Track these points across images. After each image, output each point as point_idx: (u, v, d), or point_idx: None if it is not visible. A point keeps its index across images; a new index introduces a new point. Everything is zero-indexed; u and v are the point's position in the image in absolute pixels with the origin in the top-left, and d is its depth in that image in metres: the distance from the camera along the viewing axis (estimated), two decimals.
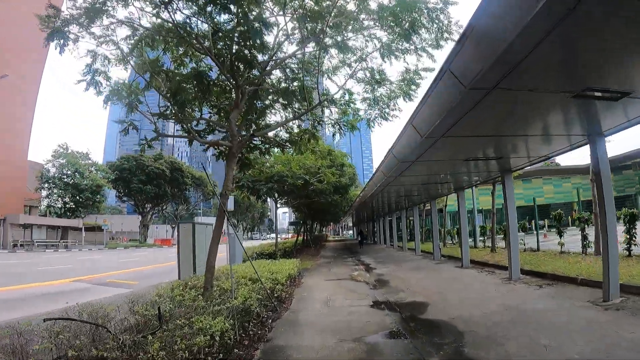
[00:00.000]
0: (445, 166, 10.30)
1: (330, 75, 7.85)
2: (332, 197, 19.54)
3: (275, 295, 7.71)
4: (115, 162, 59.38)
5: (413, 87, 7.44)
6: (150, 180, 55.55)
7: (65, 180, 54.79)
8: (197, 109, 7.96)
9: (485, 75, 4.28)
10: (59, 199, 56.11)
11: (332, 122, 8.19)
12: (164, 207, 67.72)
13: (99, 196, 56.68)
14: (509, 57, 3.87)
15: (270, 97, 7.57)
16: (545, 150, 8.55)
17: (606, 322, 5.30)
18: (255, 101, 7.26)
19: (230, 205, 18.09)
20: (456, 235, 26.10)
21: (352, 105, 8.50)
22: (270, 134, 8.49)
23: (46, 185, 53.92)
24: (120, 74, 7.99)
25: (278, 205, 19.81)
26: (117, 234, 64.51)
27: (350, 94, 8.23)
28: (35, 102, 55.12)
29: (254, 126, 7.83)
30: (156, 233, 70.60)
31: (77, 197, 54.97)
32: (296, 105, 7.46)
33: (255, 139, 8.49)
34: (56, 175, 54.62)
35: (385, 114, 7.41)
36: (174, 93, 6.96)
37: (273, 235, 79.45)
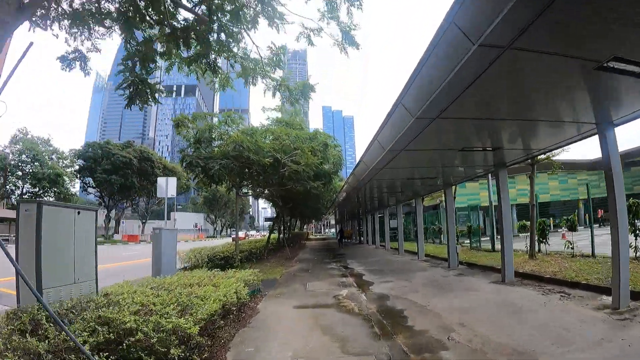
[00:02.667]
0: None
1: None
2: (312, 184, 14.95)
3: None
4: (79, 150, 53.60)
5: None
6: (116, 169, 50.17)
7: (22, 167, 49.35)
8: None
9: None
10: (16, 188, 50.77)
11: None
12: (135, 201, 62.23)
13: (58, 186, 51.00)
14: None
15: None
16: None
17: None
18: None
19: (172, 189, 13.56)
20: (460, 235, 21.88)
21: None
22: None
23: (1, 173, 48.23)
24: None
25: (241, 194, 15.19)
26: None
27: None
28: None
29: None
30: (130, 229, 64.75)
31: (36, 187, 49.53)
32: None
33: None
34: (12, 162, 49.14)
35: None
36: None
37: (252, 232, 75.06)
